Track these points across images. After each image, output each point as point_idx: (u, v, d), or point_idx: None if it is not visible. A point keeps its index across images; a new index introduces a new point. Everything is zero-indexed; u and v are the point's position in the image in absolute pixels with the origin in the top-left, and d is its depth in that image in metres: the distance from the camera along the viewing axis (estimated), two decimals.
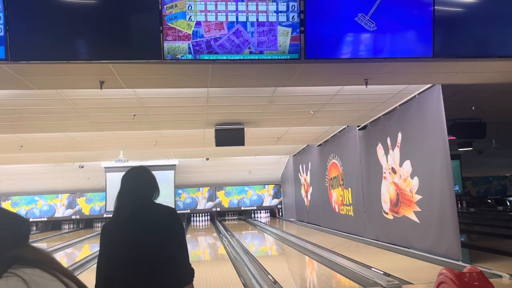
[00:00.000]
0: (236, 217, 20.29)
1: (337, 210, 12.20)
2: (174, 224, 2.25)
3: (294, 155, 17.22)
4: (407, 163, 7.83)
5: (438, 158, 6.83)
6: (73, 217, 19.07)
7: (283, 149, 15.48)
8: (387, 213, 8.87)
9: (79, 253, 11.63)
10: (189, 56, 4.60)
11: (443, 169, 6.73)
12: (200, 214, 19.65)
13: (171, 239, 2.20)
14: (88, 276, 8.61)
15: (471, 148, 12.99)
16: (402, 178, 8.08)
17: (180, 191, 19.02)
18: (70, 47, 4.58)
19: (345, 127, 10.87)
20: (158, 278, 2.10)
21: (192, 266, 2.27)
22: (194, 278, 2.28)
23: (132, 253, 2.11)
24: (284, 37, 4.70)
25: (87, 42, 4.66)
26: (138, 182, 2.35)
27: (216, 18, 4.60)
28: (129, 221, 2.20)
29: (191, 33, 4.57)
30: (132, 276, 2.08)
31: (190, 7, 4.55)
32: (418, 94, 7.29)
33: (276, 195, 20.22)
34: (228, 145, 9.31)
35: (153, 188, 2.40)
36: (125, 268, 2.10)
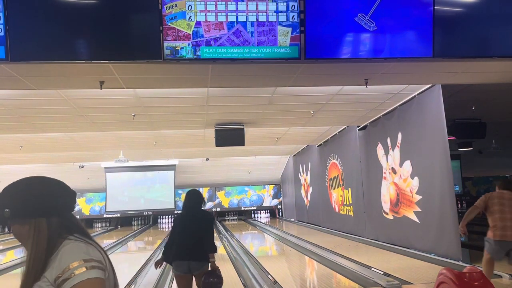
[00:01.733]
0: (236, 217, 20.29)
1: (337, 210, 12.20)
2: (208, 219, 4.43)
3: (294, 155, 17.22)
4: (407, 163, 7.83)
5: (438, 158, 6.83)
6: None
7: (283, 149, 15.47)
8: (387, 213, 8.86)
9: None
10: (189, 50, 4.60)
11: (443, 169, 6.73)
12: None
13: (206, 227, 4.29)
14: None
15: (471, 148, 12.99)
16: (402, 178, 8.08)
17: (180, 191, 19.00)
18: (70, 47, 4.58)
19: (345, 127, 10.87)
20: (197, 244, 4.16)
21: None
22: (216, 252, 4.34)
23: (187, 230, 4.24)
24: (284, 37, 4.70)
25: (87, 42, 4.66)
26: (195, 200, 4.40)
27: (216, 18, 4.60)
28: (190, 216, 4.33)
29: (191, 33, 4.57)
30: (184, 240, 4.20)
31: (190, 7, 4.55)
32: (418, 94, 7.29)
33: (276, 195, 20.22)
34: (228, 145, 9.31)
35: (202, 202, 4.44)
36: (182, 236, 4.23)
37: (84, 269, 1.27)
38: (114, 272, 1.42)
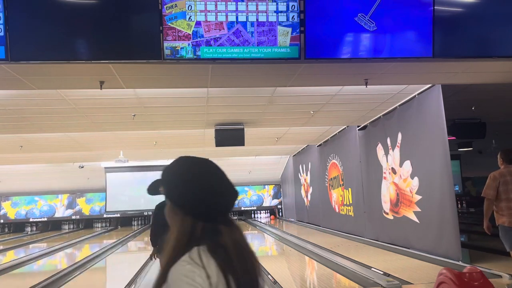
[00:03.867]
0: (236, 217, 20.29)
1: (337, 210, 12.20)
2: None
3: (294, 155, 17.21)
4: (407, 163, 7.83)
5: (438, 158, 6.82)
6: (73, 217, 19.08)
7: (283, 149, 15.47)
8: (387, 213, 8.86)
9: (79, 254, 11.63)
10: (189, 49, 4.60)
11: (443, 169, 6.73)
12: None
13: None
14: (89, 276, 8.62)
15: (471, 148, 12.99)
16: (402, 178, 8.08)
17: None
18: (70, 47, 4.58)
19: (345, 127, 10.87)
20: None
21: None
22: None
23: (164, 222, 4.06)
24: (284, 37, 4.70)
25: (87, 42, 4.66)
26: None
27: (216, 18, 4.60)
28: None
29: (191, 33, 4.58)
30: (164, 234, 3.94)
31: (190, 7, 4.55)
32: (418, 94, 7.29)
33: (276, 195, 20.22)
34: (228, 145, 9.31)
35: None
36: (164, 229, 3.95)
37: None
38: None
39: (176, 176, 1.25)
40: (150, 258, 5.09)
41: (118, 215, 18.97)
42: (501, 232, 4.99)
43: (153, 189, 1.33)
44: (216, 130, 9.05)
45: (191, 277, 1.09)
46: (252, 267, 1.22)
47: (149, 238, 4.97)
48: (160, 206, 4.61)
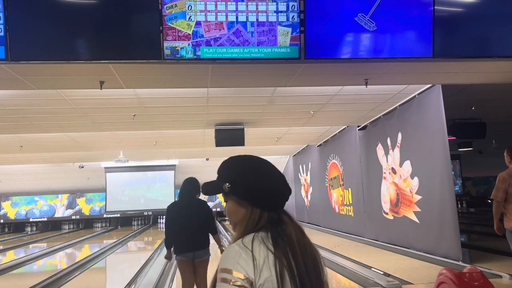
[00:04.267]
0: None
1: (337, 210, 12.19)
2: (204, 206, 4.63)
3: (294, 155, 17.22)
4: (407, 163, 7.83)
5: (438, 158, 6.82)
6: (73, 217, 19.08)
7: (283, 149, 15.47)
8: (387, 213, 8.86)
9: (79, 253, 11.63)
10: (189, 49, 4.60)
11: (443, 169, 6.73)
12: None
13: (204, 213, 4.58)
14: (89, 276, 8.61)
15: (471, 148, 12.99)
16: (402, 178, 8.08)
17: None
18: (70, 47, 4.58)
19: (345, 127, 10.87)
20: (199, 234, 4.47)
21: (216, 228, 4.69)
22: (219, 233, 4.80)
23: (187, 216, 4.45)
24: (284, 37, 4.70)
25: (87, 42, 4.66)
26: (190, 186, 4.61)
27: (216, 18, 4.60)
28: (187, 203, 4.55)
29: (191, 33, 4.57)
30: (186, 227, 4.42)
31: (190, 7, 4.55)
32: (418, 94, 7.29)
33: None
34: (228, 145, 9.30)
35: (198, 190, 4.58)
36: (183, 223, 4.44)
37: (225, 283, 1.21)
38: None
39: (242, 173, 1.37)
40: (169, 259, 4.86)
41: (118, 215, 18.97)
42: (509, 236, 4.84)
43: (208, 189, 1.43)
44: (216, 130, 9.05)
45: (236, 256, 1.23)
46: (312, 256, 1.34)
47: (164, 240, 4.84)
48: (171, 208, 4.63)
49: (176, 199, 4.81)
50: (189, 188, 4.59)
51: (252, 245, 1.26)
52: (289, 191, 1.40)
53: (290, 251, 1.28)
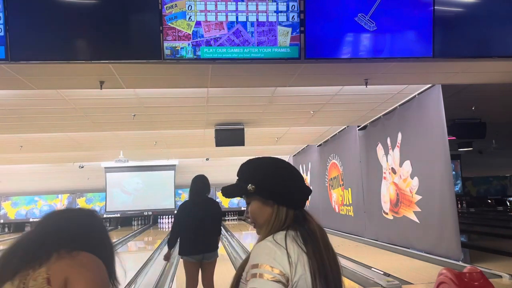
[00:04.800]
0: (236, 217, 20.29)
1: (337, 210, 12.19)
2: (217, 206, 4.59)
3: (294, 155, 17.21)
4: (407, 163, 7.83)
5: (438, 158, 6.82)
6: None
7: (283, 149, 15.46)
8: (387, 213, 8.86)
9: None
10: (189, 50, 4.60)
11: (443, 169, 6.73)
12: None
13: (217, 214, 4.53)
14: None
15: (471, 148, 12.99)
16: (402, 178, 8.08)
17: (180, 191, 19.00)
18: (70, 47, 4.58)
19: (345, 127, 10.86)
20: (210, 235, 4.42)
21: None
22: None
23: (200, 217, 4.34)
24: (284, 37, 4.70)
25: (87, 42, 4.66)
26: (202, 185, 4.49)
27: (216, 18, 4.60)
28: (199, 203, 4.43)
29: (191, 33, 4.57)
30: (199, 228, 4.32)
31: (190, 7, 4.55)
32: (418, 94, 7.29)
33: None
34: (228, 145, 9.30)
35: (209, 188, 4.53)
36: (196, 224, 4.33)
37: (264, 276, 1.21)
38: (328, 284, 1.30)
39: (267, 173, 1.41)
40: (168, 259, 4.77)
41: (118, 215, 18.97)
42: None
43: (230, 192, 1.46)
44: (216, 130, 9.05)
45: (271, 253, 1.24)
46: (334, 253, 1.37)
47: (169, 239, 4.65)
48: (183, 208, 4.54)
49: (187, 199, 4.70)
50: (201, 187, 4.48)
51: (286, 242, 1.27)
52: (309, 191, 1.46)
53: (318, 249, 1.31)
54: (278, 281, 1.20)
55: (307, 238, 1.31)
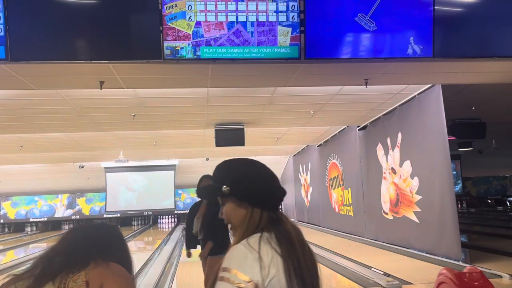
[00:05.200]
0: None
1: (337, 210, 12.19)
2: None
3: (294, 155, 17.21)
4: (407, 163, 7.83)
5: (438, 158, 6.82)
6: (73, 217, 19.07)
7: (283, 149, 15.46)
8: (387, 213, 8.86)
9: None
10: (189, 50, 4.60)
11: (443, 169, 6.73)
12: None
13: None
14: None
15: (471, 148, 12.99)
16: (402, 178, 8.08)
17: (180, 191, 19.00)
18: (70, 47, 4.58)
19: (345, 127, 10.87)
20: (226, 235, 4.31)
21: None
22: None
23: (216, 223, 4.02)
24: (284, 37, 4.70)
25: (87, 42, 4.66)
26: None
27: (216, 18, 4.60)
28: (211, 203, 4.21)
29: (191, 33, 4.57)
30: (218, 236, 4.29)
31: (190, 7, 4.55)
32: (418, 94, 7.29)
33: None
34: (228, 145, 9.30)
35: None
36: (215, 231, 4.28)
37: (230, 281, 1.22)
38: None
39: (242, 175, 1.42)
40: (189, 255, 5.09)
41: (118, 215, 18.97)
42: None
43: (205, 193, 1.49)
44: (216, 130, 9.05)
45: (242, 257, 1.25)
46: (310, 252, 1.38)
47: (186, 240, 5.05)
48: (194, 208, 4.74)
49: (196, 200, 4.94)
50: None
51: (259, 245, 1.28)
52: (284, 192, 1.45)
53: (293, 249, 1.32)
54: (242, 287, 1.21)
55: (281, 239, 1.32)
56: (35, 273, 1.41)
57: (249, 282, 1.21)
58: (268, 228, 1.34)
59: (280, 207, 1.46)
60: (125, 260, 1.59)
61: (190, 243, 4.98)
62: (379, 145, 9.04)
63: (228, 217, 1.41)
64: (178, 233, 14.72)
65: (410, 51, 4.94)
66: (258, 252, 1.26)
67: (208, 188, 1.47)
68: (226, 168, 1.46)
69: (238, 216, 1.38)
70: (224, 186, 1.39)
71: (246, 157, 1.50)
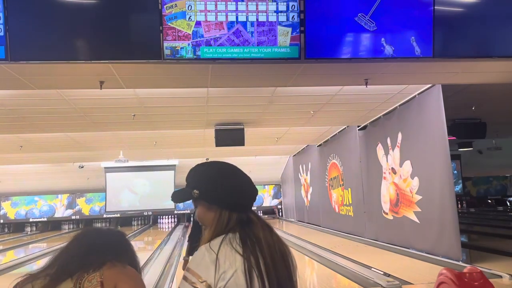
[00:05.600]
0: None
1: (337, 210, 12.19)
2: None
3: (294, 155, 17.21)
4: (407, 163, 7.83)
5: (438, 158, 6.82)
6: (73, 217, 19.07)
7: (283, 149, 15.47)
8: (387, 213, 8.86)
9: None
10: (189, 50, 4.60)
11: (443, 169, 6.73)
12: None
13: None
14: None
15: (471, 148, 13.00)
16: (402, 178, 8.08)
17: None
18: (70, 47, 4.58)
19: (345, 127, 10.86)
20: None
21: None
22: None
23: None
24: (284, 37, 4.70)
25: (87, 42, 4.66)
26: None
27: (216, 18, 4.60)
28: None
29: (191, 33, 4.57)
30: None
31: (190, 7, 4.55)
32: (418, 94, 7.29)
33: (276, 195, 20.21)
34: (228, 145, 9.30)
35: None
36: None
37: (186, 282, 1.31)
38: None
39: (209, 179, 1.47)
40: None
41: (118, 215, 18.97)
42: None
43: (178, 197, 1.55)
44: (216, 130, 9.05)
45: (199, 259, 1.33)
46: (282, 252, 1.40)
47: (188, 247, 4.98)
48: None
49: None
50: None
51: (219, 247, 1.32)
52: (256, 192, 1.50)
53: (258, 249, 1.35)
54: None
55: (246, 239, 1.35)
56: (51, 273, 1.46)
57: (202, 282, 1.28)
58: (235, 229, 1.38)
59: (253, 207, 1.50)
60: (135, 263, 1.66)
61: (192, 251, 5.01)
62: (379, 145, 9.04)
63: (201, 219, 1.47)
64: (178, 233, 14.72)
65: (410, 51, 4.94)
66: (216, 254, 1.31)
67: (180, 192, 1.53)
68: (197, 173, 1.51)
69: (208, 218, 1.43)
70: (194, 190, 1.45)
71: (219, 161, 1.55)
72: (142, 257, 9.30)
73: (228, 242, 1.34)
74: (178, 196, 1.54)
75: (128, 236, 15.05)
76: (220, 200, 1.42)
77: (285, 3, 4.67)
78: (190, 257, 5.14)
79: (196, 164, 1.54)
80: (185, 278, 1.32)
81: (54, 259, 1.54)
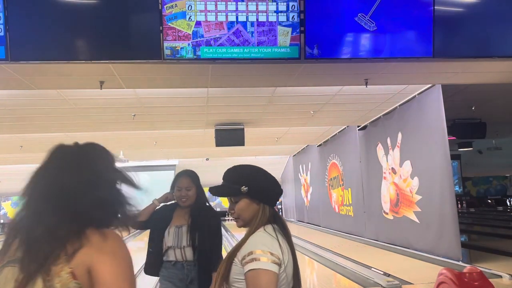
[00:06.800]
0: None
1: (337, 210, 12.19)
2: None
3: (294, 155, 17.21)
4: (407, 163, 7.83)
5: (438, 158, 6.82)
6: None
7: (283, 149, 15.47)
8: (387, 213, 8.86)
9: None
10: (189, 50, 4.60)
11: (443, 169, 6.73)
12: None
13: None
14: None
15: (471, 148, 13.00)
16: (402, 178, 8.08)
17: None
18: (70, 47, 4.58)
19: (345, 127, 10.87)
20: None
21: None
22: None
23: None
24: (284, 37, 4.70)
25: (87, 42, 4.66)
26: None
27: (216, 18, 4.60)
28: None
29: (191, 33, 4.57)
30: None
31: (190, 7, 4.55)
32: (418, 94, 7.29)
33: None
34: (228, 145, 9.30)
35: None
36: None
37: (265, 259, 1.48)
38: (297, 270, 1.62)
39: (257, 178, 1.72)
40: None
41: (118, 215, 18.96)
42: None
43: (220, 191, 1.73)
44: (216, 130, 9.05)
45: (267, 241, 1.55)
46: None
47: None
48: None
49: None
50: None
51: (276, 234, 1.60)
52: (282, 191, 1.80)
53: (290, 240, 1.66)
54: (276, 263, 1.50)
55: (283, 230, 1.66)
56: (20, 258, 1.11)
57: (278, 259, 1.51)
58: (271, 221, 1.66)
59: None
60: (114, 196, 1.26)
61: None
62: (379, 145, 9.04)
63: (240, 213, 1.68)
64: None
65: (410, 51, 4.94)
66: (277, 239, 1.57)
67: (224, 187, 1.71)
68: (245, 172, 1.75)
69: (251, 212, 1.66)
70: (243, 187, 1.65)
71: (253, 164, 1.80)
72: (142, 257, 9.31)
73: (279, 231, 1.63)
74: (220, 190, 1.72)
75: (128, 236, 15.12)
76: (264, 196, 1.68)
77: (285, 3, 4.67)
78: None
79: (235, 165, 1.77)
80: (260, 259, 1.48)
81: (12, 230, 1.17)
